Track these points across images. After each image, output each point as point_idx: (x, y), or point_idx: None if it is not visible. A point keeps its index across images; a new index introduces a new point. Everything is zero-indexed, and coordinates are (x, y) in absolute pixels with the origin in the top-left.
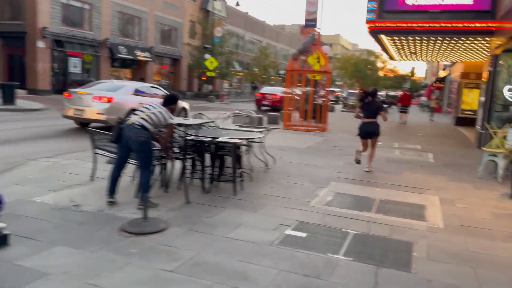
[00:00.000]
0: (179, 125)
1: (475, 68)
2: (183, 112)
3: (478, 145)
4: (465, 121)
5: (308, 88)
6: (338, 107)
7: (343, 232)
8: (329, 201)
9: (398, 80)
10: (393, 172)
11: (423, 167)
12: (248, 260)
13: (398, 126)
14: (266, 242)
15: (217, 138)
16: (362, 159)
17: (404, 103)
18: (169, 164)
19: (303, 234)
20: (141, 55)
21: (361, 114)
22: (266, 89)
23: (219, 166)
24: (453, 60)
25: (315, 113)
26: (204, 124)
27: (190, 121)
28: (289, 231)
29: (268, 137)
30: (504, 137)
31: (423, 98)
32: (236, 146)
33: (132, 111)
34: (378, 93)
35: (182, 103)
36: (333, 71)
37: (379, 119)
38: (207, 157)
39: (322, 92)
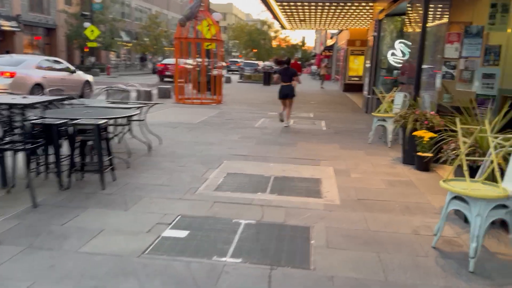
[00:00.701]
0: (13, 105)
1: (360, 35)
2: (87, 86)
3: (366, 110)
4: (353, 87)
5: (201, 59)
6: (235, 77)
7: (233, 224)
8: (220, 184)
9: (291, 50)
10: (287, 143)
11: (317, 136)
12: (104, 284)
13: None
14: (135, 252)
15: (74, 119)
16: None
17: None
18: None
19: (184, 233)
20: (6, 24)
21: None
22: (168, 60)
23: (79, 153)
24: (340, 28)
25: (210, 85)
26: (61, 102)
27: (31, 99)
28: (167, 232)
29: (157, 113)
30: (392, 101)
31: (314, 67)
32: (102, 128)
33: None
34: (272, 63)
35: (85, 76)
36: (228, 42)
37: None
38: (66, 144)
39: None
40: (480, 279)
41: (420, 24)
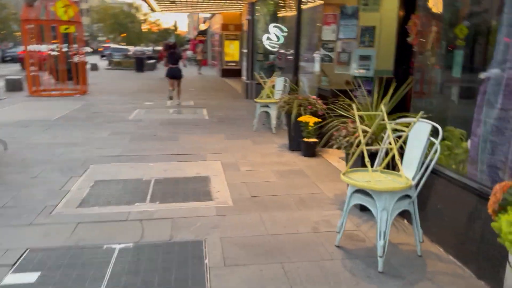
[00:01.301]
0: None
1: (234, 20)
2: None
3: (246, 96)
4: (230, 72)
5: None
6: (103, 64)
7: (105, 252)
8: (86, 197)
9: (163, 34)
10: (168, 137)
11: (200, 126)
12: None
13: (166, 81)
14: None
15: None
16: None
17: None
18: None
19: (33, 277)
20: None
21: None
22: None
23: None
24: (213, 12)
25: (72, 74)
26: None
27: None
28: (8, 278)
29: (2, 110)
30: (273, 86)
31: (189, 52)
32: None
33: None
34: (144, 48)
35: None
36: (92, 25)
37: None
38: None
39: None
40: (391, 279)
41: (295, 6)
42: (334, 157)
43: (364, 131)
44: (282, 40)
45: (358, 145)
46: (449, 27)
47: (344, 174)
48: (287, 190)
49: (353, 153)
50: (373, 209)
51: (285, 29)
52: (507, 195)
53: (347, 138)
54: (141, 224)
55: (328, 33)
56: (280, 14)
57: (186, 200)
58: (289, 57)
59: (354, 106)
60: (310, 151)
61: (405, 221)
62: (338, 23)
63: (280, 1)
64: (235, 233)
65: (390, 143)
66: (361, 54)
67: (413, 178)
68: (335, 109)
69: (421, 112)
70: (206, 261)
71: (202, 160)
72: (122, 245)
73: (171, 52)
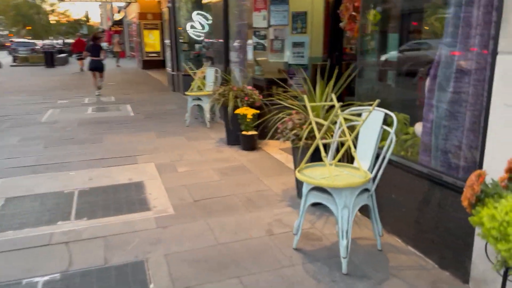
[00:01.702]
0: None
1: (152, 8)
2: None
3: (173, 88)
4: (152, 64)
5: None
6: (7, 61)
7: None
8: None
9: (73, 26)
10: (91, 139)
11: (126, 125)
12: None
13: (81, 76)
14: None
15: None
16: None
17: (79, 49)
18: None
19: None
20: None
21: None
22: None
23: None
24: (128, 1)
25: None
26: None
27: None
28: None
29: None
30: (204, 78)
31: (104, 44)
32: None
33: None
34: (54, 41)
35: None
36: None
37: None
38: None
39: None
40: (358, 281)
41: None
42: (274, 149)
43: (319, 124)
44: (207, 28)
45: (306, 138)
46: (382, 11)
47: (299, 171)
48: (232, 190)
49: (304, 147)
50: (332, 206)
51: (209, 16)
52: (484, 186)
53: (294, 131)
54: (67, 247)
55: (259, 19)
56: (204, 1)
57: (119, 212)
58: (218, 46)
59: (305, 97)
60: (250, 145)
61: (358, 212)
62: (268, 9)
63: None
64: (181, 247)
65: (343, 135)
66: (295, 41)
67: (370, 170)
68: (278, 100)
69: (377, 101)
70: (151, 286)
71: (132, 163)
72: (46, 277)
73: (93, 44)
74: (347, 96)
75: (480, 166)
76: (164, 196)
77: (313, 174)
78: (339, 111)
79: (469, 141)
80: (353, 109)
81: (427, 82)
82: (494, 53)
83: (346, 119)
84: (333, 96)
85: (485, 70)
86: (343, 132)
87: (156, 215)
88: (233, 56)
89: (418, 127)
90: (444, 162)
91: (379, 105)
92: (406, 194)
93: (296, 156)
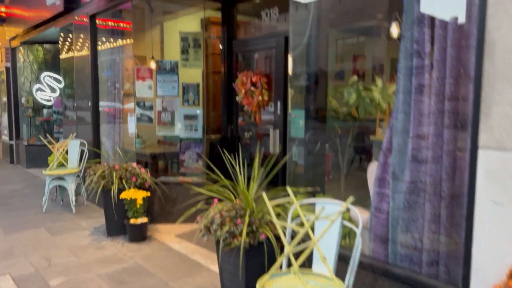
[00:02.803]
0: None
1: None
2: None
3: (11, 160)
4: None
5: None
6: None
7: None
8: None
9: None
10: None
11: None
12: None
13: None
14: None
15: None
16: None
17: None
18: None
19: None
20: None
21: None
22: None
23: None
24: None
25: None
26: None
27: None
28: None
29: None
30: (66, 152)
31: None
32: None
33: None
34: None
35: None
36: None
37: None
38: None
39: None
40: None
41: (89, 52)
42: (169, 236)
43: (282, 228)
44: (58, 92)
45: (241, 234)
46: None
47: (263, 286)
48: None
49: (248, 250)
50: None
51: (61, 79)
52: None
53: (227, 227)
54: None
55: (143, 89)
56: (63, 56)
57: None
58: (83, 112)
59: (264, 195)
60: (140, 235)
61: None
62: (155, 79)
63: (63, 44)
64: None
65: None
66: (187, 114)
67: (337, 275)
68: (207, 190)
69: (351, 197)
70: None
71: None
72: None
73: None
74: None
75: (467, 264)
76: None
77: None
78: (297, 206)
79: (432, 233)
80: (306, 201)
81: (376, 169)
82: (474, 147)
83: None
84: (289, 190)
85: (441, 159)
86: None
87: None
88: (106, 125)
89: (363, 216)
90: (405, 256)
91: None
92: None
93: (229, 260)
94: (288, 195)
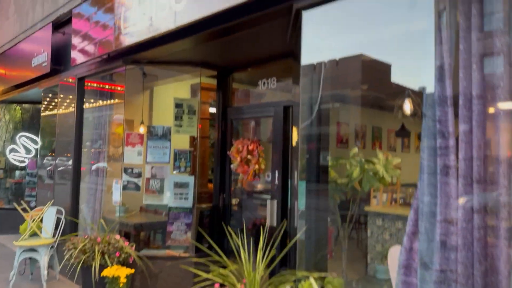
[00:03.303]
0: None
1: None
2: None
3: None
4: None
5: None
6: None
7: None
8: None
9: None
10: None
11: None
12: None
13: None
14: None
15: None
16: None
17: None
18: None
19: None
20: None
21: None
22: None
23: None
24: None
25: None
26: None
27: None
28: None
29: None
30: (41, 220)
31: None
32: None
33: None
34: None
35: None
36: None
37: None
38: None
39: None
40: None
41: (75, 114)
42: None
43: None
44: (33, 152)
45: None
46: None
47: None
48: None
49: None
50: None
51: (38, 139)
52: None
53: None
54: None
55: (132, 155)
56: (45, 113)
57: None
58: (62, 175)
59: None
60: None
61: None
62: (145, 144)
63: (45, 104)
64: None
65: None
66: (177, 181)
67: None
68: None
69: None
70: None
71: None
72: None
73: None
74: None
75: None
76: None
77: None
78: None
79: None
80: None
81: (400, 255)
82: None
83: None
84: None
85: (472, 246)
86: None
87: None
88: (86, 191)
89: None
90: None
91: None
92: None
93: None
94: (299, 279)
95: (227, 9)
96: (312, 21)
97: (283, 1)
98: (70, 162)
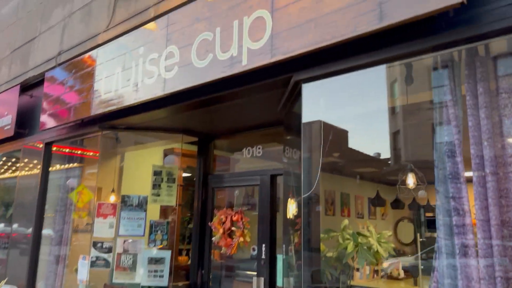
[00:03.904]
0: None
1: None
2: None
3: None
4: None
5: None
6: None
7: None
8: None
9: None
10: None
11: None
12: None
13: None
14: None
15: None
16: None
17: None
18: None
19: None
20: None
21: None
22: None
23: None
24: None
25: None
26: None
27: None
28: None
29: None
30: None
31: None
32: None
33: None
34: None
35: None
36: None
37: None
38: None
39: None
40: None
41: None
42: None
43: None
44: None
45: None
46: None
47: None
48: None
49: None
50: None
51: None
52: None
53: None
54: None
55: (103, 228)
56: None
57: None
58: (18, 247)
59: None
60: None
61: None
62: (118, 216)
63: (4, 168)
64: None
65: None
66: (152, 257)
67: None
68: None
69: None
70: None
71: None
72: None
73: None
74: None
75: None
76: None
77: None
78: None
79: None
80: None
81: None
82: None
83: None
84: None
85: None
86: None
87: None
88: (46, 266)
89: None
90: None
91: None
92: None
93: None
94: None
95: (221, 79)
96: (311, 93)
97: (283, 73)
98: (29, 230)
